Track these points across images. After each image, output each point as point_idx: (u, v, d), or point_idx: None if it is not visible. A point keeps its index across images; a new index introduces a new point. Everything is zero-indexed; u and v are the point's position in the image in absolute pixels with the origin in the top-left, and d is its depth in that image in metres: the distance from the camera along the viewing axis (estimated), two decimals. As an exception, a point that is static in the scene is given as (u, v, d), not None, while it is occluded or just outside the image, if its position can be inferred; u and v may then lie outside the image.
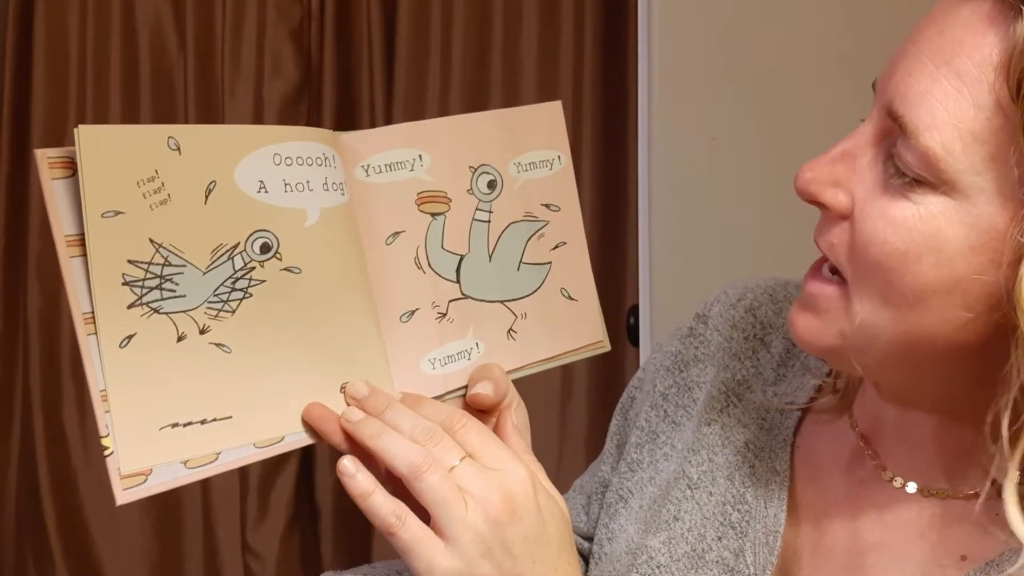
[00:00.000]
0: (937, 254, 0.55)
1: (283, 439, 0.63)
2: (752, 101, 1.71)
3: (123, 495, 0.58)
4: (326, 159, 0.64)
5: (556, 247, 0.74)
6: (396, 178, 0.68)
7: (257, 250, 0.62)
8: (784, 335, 0.77)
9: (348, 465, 0.61)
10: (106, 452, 0.58)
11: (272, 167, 0.62)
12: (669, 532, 0.72)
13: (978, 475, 0.62)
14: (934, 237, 0.55)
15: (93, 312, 0.58)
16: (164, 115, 2.35)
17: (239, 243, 0.61)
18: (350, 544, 2.43)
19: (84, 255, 0.57)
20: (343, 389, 0.65)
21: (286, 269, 0.63)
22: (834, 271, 0.61)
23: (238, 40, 2.38)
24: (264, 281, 0.62)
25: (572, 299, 0.75)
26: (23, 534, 2.40)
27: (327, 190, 0.64)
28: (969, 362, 0.57)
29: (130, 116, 2.35)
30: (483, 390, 0.67)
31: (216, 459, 0.61)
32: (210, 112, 2.36)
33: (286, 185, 0.62)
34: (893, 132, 0.56)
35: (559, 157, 0.74)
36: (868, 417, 0.70)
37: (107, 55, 2.35)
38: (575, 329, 0.75)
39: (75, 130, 0.56)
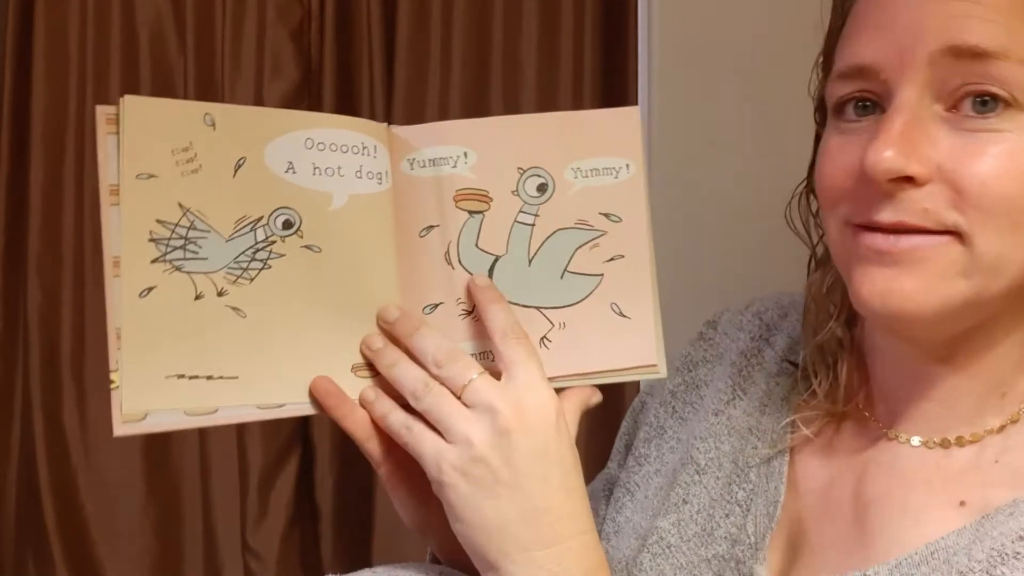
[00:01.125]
0: None
1: (284, 405, 0.66)
2: (752, 101, 1.71)
3: (121, 428, 0.62)
4: (365, 148, 0.67)
5: (611, 259, 0.70)
6: (438, 173, 0.69)
7: (279, 226, 0.65)
8: (788, 334, 0.80)
9: (369, 392, 0.67)
10: (112, 386, 0.62)
11: (303, 150, 0.65)
12: (678, 514, 0.74)
13: (993, 423, 0.65)
14: None
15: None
16: (164, 115, 2.35)
17: (262, 217, 0.65)
18: (350, 544, 2.43)
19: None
20: (354, 369, 0.67)
21: (307, 247, 0.66)
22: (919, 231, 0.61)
23: (238, 40, 2.37)
24: (284, 256, 0.65)
25: (623, 316, 0.70)
26: (23, 534, 2.40)
27: (359, 178, 0.66)
28: None
29: (130, 116, 2.34)
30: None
31: (216, 412, 0.64)
32: (210, 112, 2.36)
33: (315, 168, 0.66)
34: (941, 81, 0.59)
35: (627, 165, 0.70)
36: (875, 390, 0.71)
37: (107, 55, 2.34)
38: (623, 348, 0.70)
39: (120, 99, 0.62)
